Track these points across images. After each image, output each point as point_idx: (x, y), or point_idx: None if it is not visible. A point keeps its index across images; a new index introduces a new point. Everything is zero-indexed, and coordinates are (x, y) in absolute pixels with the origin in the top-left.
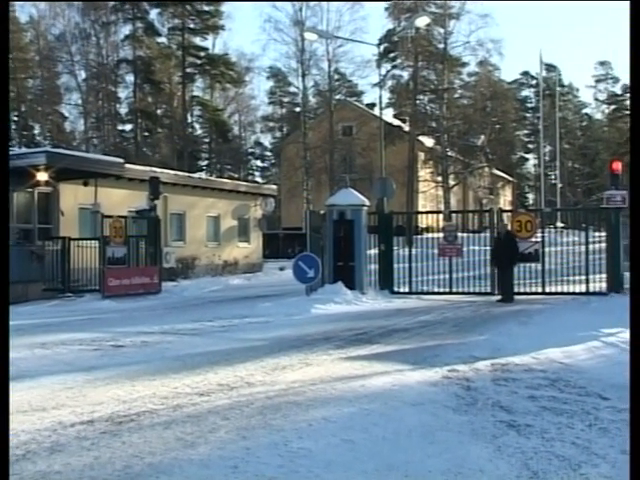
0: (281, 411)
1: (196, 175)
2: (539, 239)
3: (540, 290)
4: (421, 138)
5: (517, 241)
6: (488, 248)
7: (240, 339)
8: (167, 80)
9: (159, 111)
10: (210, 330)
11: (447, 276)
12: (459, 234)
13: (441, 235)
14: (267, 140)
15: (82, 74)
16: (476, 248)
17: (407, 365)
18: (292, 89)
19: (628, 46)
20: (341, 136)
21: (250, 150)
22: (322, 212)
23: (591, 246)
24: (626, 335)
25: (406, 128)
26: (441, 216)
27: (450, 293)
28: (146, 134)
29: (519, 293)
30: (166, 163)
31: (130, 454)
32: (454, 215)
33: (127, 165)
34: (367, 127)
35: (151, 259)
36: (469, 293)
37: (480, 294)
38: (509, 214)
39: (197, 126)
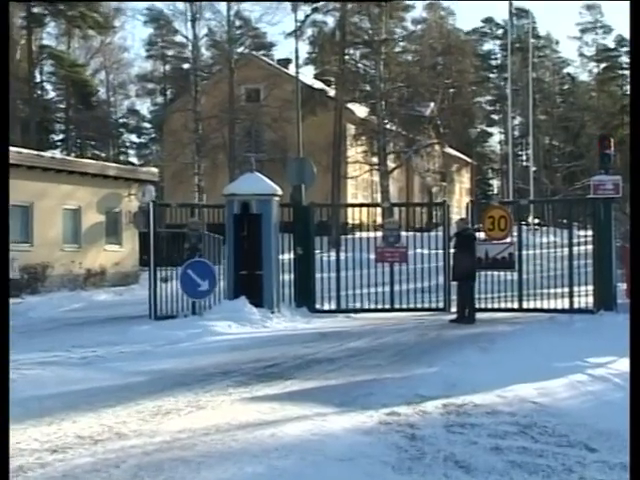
0: (163, 472)
1: (48, 154)
2: (514, 240)
3: (516, 306)
4: (351, 106)
5: (482, 243)
6: (440, 252)
7: (108, 375)
8: None
9: None
10: (67, 363)
11: (387, 289)
12: (403, 233)
13: (379, 235)
14: (145, 107)
15: None
16: (425, 252)
17: (332, 407)
18: (178, 39)
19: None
20: (245, 102)
21: (122, 120)
22: (175, 205)
23: (576, 249)
24: (619, 366)
25: (331, 92)
26: (378, 210)
27: (390, 310)
28: None
29: (485, 309)
30: None
31: None
32: (396, 209)
33: None
34: (279, 91)
35: None
36: (415, 310)
37: (429, 310)
38: (465, 207)
39: (49, 87)
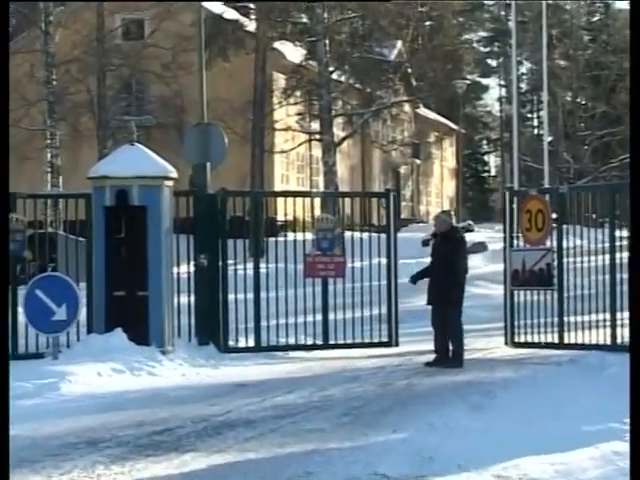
0: None
1: None
2: (553, 244)
3: (555, 340)
4: (279, 46)
5: (519, 250)
6: (408, 261)
7: None
8: None
9: None
10: None
11: (326, 316)
12: (351, 234)
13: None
14: None
15: None
16: (384, 261)
17: None
18: None
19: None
20: (121, 40)
21: None
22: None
23: (618, 255)
24: None
25: (250, 26)
26: (319, 200)
27: (323, 347)
28: None
29: (524, 344)
30: None
31: None
32: (343, 200)
33: None
34: (173, 23)
35: None
36: (353, 346)
37: (370, 346)
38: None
39: None
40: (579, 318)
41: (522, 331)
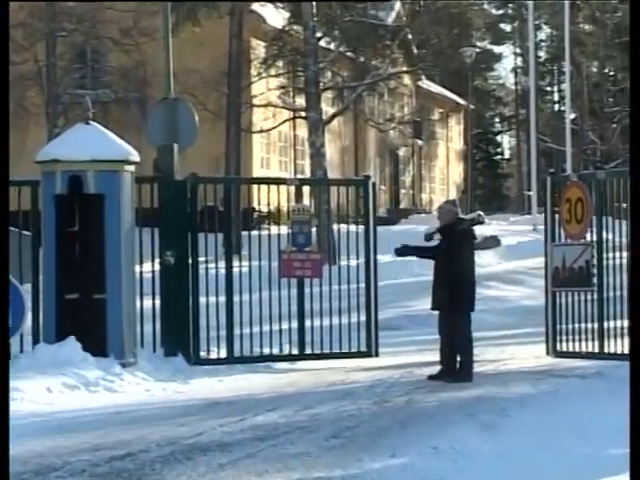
0: None
1: None
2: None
3: (596, 349)
4: (258, 8)
5: (559, 244)
6: (409, 259)
7: None
8: None
9: None
10: None
11: (309, 322)
12: (352, 228)
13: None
14: None
15: None
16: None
17: None
18: None
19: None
20: (73, 2)
21: None
22: None
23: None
24: None
25: None
26: (305, 189)
27: (299, 357)
28: None
29: (567, 354)
30: None
31: None
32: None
33: None
34: None
35: None
36: (330, 356)
37: (350, 356)
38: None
39: None
40: (619, 323)
41: (563, 338)
